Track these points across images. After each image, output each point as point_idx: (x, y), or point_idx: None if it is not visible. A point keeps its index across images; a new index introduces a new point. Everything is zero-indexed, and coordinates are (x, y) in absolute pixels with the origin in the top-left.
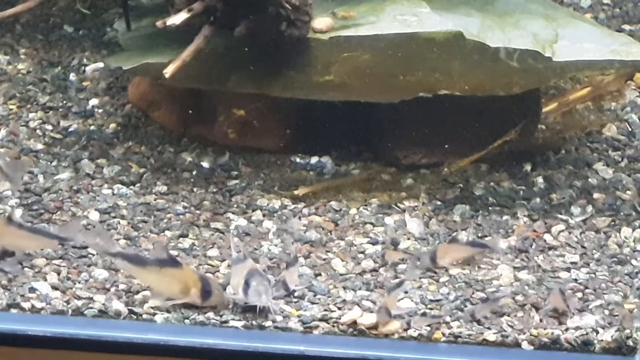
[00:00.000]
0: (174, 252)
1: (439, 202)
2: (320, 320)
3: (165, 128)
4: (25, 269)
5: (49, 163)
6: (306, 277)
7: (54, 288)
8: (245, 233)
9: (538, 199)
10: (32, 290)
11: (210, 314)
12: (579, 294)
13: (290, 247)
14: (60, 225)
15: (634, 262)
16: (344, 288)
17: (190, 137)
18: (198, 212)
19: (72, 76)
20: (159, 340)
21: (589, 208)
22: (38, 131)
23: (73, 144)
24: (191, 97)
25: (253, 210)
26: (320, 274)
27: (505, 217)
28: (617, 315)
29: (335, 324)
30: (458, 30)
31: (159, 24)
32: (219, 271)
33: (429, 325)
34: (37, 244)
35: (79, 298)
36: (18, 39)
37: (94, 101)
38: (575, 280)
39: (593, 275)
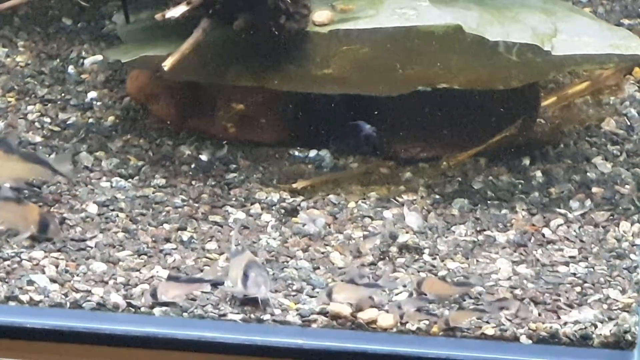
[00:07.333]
0: (172, 245)
1: (437, 196)
2: (319, 313)
3: (163, 121)
4: (24, 261)
5: (47, 155)
6: (304, 270)
7: (52, 281)
8: (243, 226)
9: (537, 193)
10: (31, 282)
11: (209, 308)
12: (578, 288)
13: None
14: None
15: (632, 256)
16: (343, 282)
17: (189, 130)
18: (196, 205)
19: (71, 69)
20: (157, 333)
21: (588, 202)
22: (36, 124)
23: (71, 136)
24: (190, 90)
25: (252, 204)
26: (318, 268)
27: (503, 211)
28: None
29: (333, 318)
30: (457, 23)
31: (158, 16)
32: (217, 264)
33: (426, 319)
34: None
35: (77, 291)
36: (16, 32)
37: (92, 94)
38: (574, 274)
39: (592, 270)
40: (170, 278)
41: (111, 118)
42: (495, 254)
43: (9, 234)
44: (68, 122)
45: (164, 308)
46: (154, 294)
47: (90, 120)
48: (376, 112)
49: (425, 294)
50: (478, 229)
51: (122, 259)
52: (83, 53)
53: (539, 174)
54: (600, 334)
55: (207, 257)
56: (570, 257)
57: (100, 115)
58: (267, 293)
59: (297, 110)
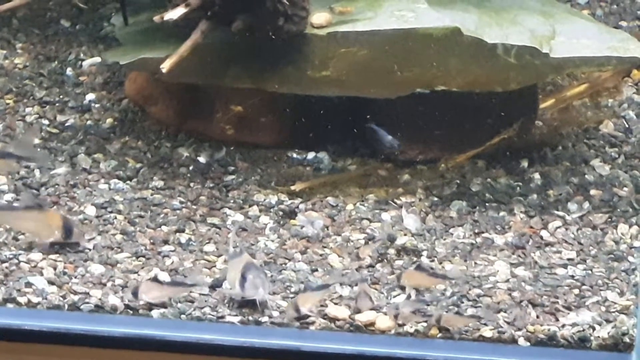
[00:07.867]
0: (171, 247)
1: (435, 198)
2: (317, 315)
3: (162, 123)
4: (22, 263)
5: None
6: (302, 272)
7: (50, 283)
8: (241, 228)
9: (535, 195)
10: (29, 284)
11: (207, 310)
12: (576, 291)
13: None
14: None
15: (630, 258)
16: (341, 284)
17: (187, 132)
18: (195, 207)
19: (69, 71)
20: (155, 335)
21: (586, 204)
22: (34, 126)
23: (70, 138)
24: (188, 92)
25: (250, 206)
26: (317, 270)
27: (502, 214)
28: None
29: (332, 320)
30: (455, 26)
31: (156, 18)
32: (215, 266)
33: (425, 321)
34: None
35: (75, 293)
36: (15, 34)
37: (90, 96)
38: (572, 276)
39: (590, 272)
40: (153, 279)
41: (109, 120)
42: (494, 257)
43: (32, 243)
44: (66, 124)
45: (162, 310)
46: (135, 293)
47: (89, 122)
48: (375, 115)
49: (405, 287)
50: (476, 231)
51: (120, 261)
52: (81, 55)
53: (537, 176)
54: (599, 337)
55: (205, 259)
56: (568, 259)
57: (99, 117)
58: (265, 295)
59: (296, 113)
